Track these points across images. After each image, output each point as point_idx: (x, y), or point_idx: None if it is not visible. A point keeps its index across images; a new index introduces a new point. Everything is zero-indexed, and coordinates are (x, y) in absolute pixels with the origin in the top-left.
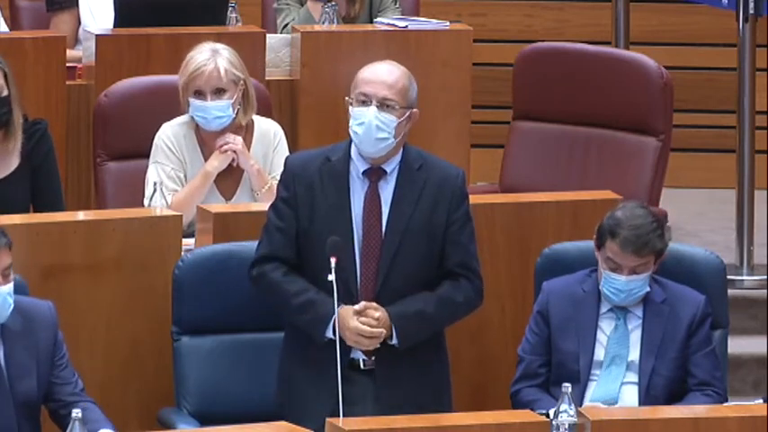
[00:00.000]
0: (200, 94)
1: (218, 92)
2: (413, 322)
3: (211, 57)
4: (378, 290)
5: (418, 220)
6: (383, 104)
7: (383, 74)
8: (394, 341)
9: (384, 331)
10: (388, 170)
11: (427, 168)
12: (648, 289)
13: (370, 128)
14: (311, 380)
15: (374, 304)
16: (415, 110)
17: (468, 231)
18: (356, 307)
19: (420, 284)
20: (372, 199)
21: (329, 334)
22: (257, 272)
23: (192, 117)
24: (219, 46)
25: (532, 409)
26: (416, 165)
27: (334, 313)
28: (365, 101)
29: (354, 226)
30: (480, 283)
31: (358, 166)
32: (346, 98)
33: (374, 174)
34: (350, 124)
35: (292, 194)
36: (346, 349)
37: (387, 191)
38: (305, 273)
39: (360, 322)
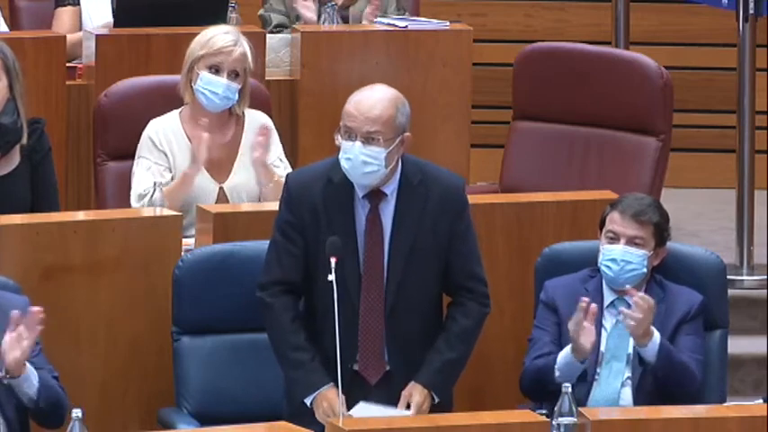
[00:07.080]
0: (216, 70)
1: (234, 75)
2: (443, 377)
3: (238, 40)
4: (387, 314)
5: (422, 240)
6: (368, 139)
7: (366, 107)
8: (436, 401)
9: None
10: (387, 192)
11: (427, 182)
12: (645, 271)
13: (357, 162)
14: None
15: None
16: (406, 134)
17: (471, 238)
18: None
19: (428, 300)
20: (374, 224)
21: (307, 401)
22: (269, 300)
23: (195, 92)
24: (239, 33)
25: (545, 366)
26: (415, 180)
27: (322, 385)
28: (350, 135)
29: (360, 252)
30: (485, 287)
31: (358, 191)
32: (340, 123)
33: (374, 197)
34: (340, 154)
35: (298, 219)
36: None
37: (387, 213)
38: (308, 295)
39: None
